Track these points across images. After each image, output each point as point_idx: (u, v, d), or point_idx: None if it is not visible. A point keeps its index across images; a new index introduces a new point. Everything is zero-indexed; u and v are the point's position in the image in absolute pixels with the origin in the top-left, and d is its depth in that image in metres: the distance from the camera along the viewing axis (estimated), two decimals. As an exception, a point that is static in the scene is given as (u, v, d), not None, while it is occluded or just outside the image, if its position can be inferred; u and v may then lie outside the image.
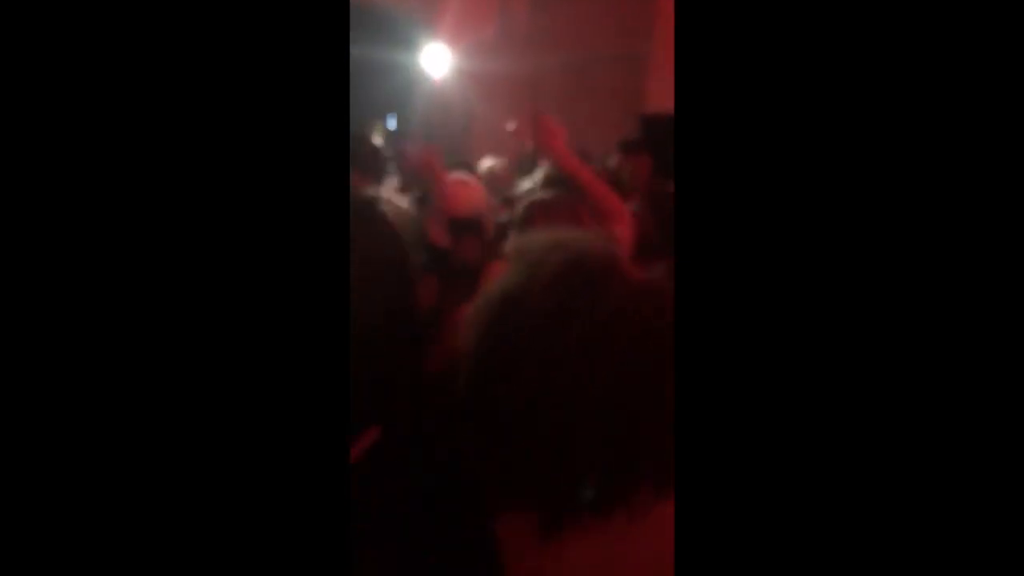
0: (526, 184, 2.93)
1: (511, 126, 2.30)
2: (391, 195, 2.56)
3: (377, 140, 3.48)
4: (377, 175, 2.82)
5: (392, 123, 5.29)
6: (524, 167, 3.67)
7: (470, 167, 3.61)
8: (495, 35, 5.26)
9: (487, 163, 3.79)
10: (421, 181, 2.76)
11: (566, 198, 1.92)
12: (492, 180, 3.41)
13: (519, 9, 5.39)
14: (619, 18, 4.64)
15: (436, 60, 5.17)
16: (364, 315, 1.17)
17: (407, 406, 1.29)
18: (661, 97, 3.10)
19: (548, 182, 2.72)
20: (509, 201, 2.87)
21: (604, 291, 0.78)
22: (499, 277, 0.83)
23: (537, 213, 1.85)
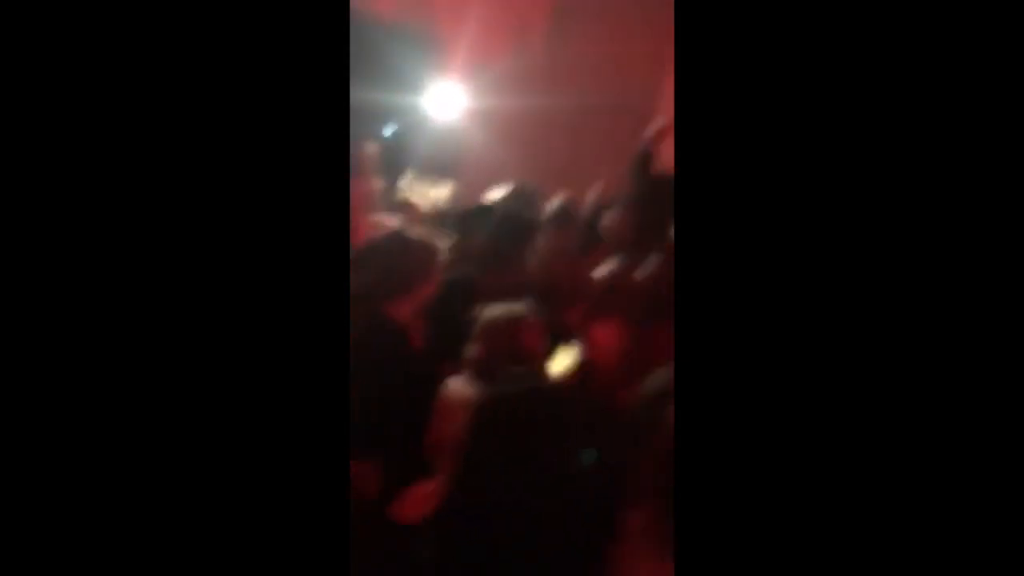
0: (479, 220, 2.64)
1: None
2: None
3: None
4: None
5: (389, 130, 4.96)
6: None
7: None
8: (507, 71, 4.98)
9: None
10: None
11: (516, 319, 1.85)
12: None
13: (534, 43, 5.12)
14: (631, 66, 4.37)
15: (445, 98, 4.93)
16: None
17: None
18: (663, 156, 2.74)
19: (504, 219, 2.47)
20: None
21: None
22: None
23: (487, 333, 1.79)
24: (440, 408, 1.76)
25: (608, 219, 2.86)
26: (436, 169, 4.27)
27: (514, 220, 2.66)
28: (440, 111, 4.91)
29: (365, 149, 3.14)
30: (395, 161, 3.78)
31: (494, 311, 1.86)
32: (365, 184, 2.54)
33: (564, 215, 3.07)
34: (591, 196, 3.17)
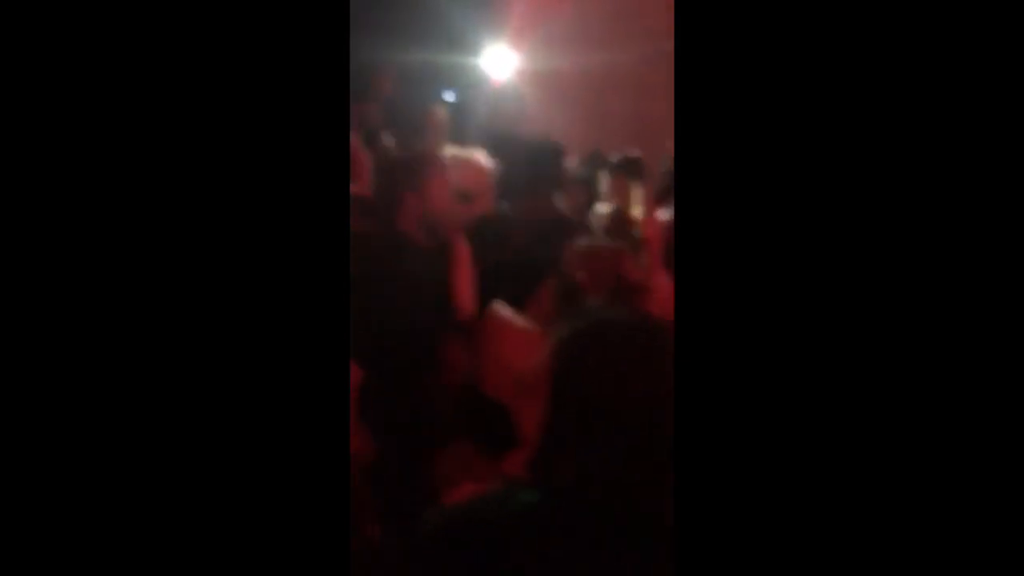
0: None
1: None
2: None
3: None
4: None
5: (451, 96, 5.01)
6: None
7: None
8: (564, 28, 4.96)
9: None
10: None
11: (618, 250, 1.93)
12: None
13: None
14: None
15: (503, 59, 4.94)
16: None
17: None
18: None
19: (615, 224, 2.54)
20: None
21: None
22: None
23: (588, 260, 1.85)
24: (498, 337, 1.70)
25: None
26: (497, 132, 4.32)
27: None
28: (498, 72, 4.93)
29: (435, 114, 3.21)
30: (460, 125, 3.85)
31: (589, 241, 1.91)
32: (434, 148, 2.58)
33: (633, 164, 3.13)
34: (669, 148, 3.20)
